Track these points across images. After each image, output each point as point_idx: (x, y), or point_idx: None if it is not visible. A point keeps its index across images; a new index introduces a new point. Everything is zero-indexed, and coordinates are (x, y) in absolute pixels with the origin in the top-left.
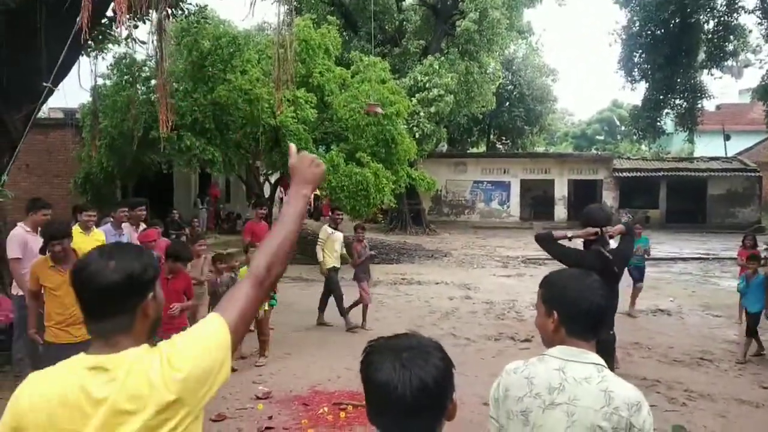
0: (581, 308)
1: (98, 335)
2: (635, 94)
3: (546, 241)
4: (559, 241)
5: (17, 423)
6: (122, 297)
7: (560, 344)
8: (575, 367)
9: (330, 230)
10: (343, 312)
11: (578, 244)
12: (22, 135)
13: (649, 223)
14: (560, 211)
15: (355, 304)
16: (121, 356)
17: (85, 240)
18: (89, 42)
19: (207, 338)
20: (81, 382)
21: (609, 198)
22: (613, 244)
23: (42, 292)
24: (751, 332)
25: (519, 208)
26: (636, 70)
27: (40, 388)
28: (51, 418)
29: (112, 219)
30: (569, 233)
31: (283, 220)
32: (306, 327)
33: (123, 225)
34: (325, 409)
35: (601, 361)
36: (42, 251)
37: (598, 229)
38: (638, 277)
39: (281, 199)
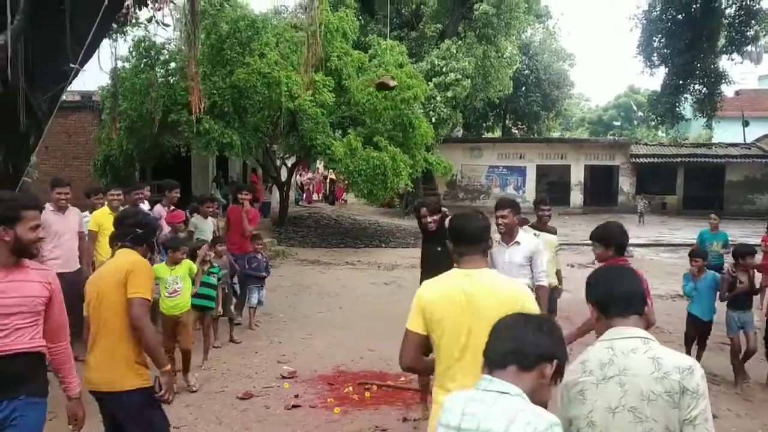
0: (610, 292)
1: (467, 257)
2: (653, 80)
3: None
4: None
5: (423, 306)
6: (481, 237)
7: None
8: (621, 342)
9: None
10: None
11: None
12: (48, 117)
13: (665, 209)
14: (576, 197)
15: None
16: (479, 270)
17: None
18: (121, 18)
19: None
20: (456, 283)
21: (626, 184)
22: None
23: None
24: (702, 346)
25: (535, 193)
26: (655, 54)
27: (434, 287)
28: (442, 303)
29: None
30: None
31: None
32: (327, 309)
33: (156, 206)
34: (351, 388)
35: (647, 334)
36: None
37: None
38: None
39: (301, 184)
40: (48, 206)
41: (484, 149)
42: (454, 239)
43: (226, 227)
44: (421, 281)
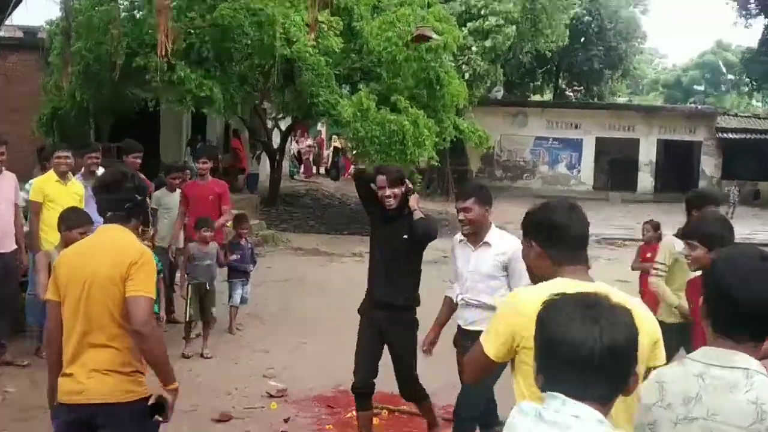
0: (732, 297)
1: (570, 266)
2: (749, 33)
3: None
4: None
5: (517, 329)
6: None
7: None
8: (719, 372)
9: None
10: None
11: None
12: None
13: (759, 199)
14: (645, 180)
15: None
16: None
17: (62, 190)
18: None
19: None
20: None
21: (709, 165)
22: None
23: None
24: None
25: (592, 173)
26: (753, 1)
27: (531, 296)
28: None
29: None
30: None
31: None
32: (327, 309)
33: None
34: (354, 413)
35: (754, 364)
36: None
37: None
38: None
39: (298, 153)
40: None
41: (530, 116)
42: (552, 239)
43: (184, 209)
44: (374, 284)
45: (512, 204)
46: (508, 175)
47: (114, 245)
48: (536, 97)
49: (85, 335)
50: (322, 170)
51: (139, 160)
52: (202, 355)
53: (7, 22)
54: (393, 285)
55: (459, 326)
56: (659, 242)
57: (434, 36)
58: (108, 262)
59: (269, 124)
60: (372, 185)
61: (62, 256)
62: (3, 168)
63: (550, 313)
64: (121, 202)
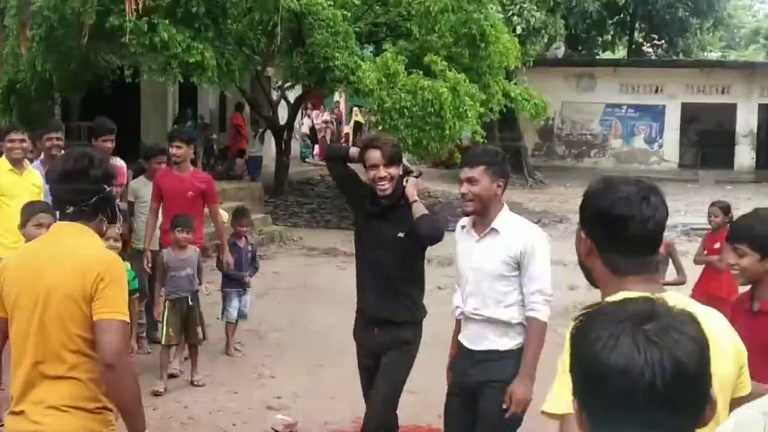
0: None
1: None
2: None
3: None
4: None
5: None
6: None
7: None
8: None
9: None
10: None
11: None
12: None
13: None
14: (744, 155)
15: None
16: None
17: (16, 182)
18: None
19: None
20: None
21: None
22: None
23: None
24: None
25: (678, 148)
26: None
27: None
28: None
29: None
30: None
31: None
32: (346, 324)
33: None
34: None
35: None
36: None
37: None
38: None
39: (311, 130)
40: None
41: (598, 78)
42: (611, 239)
43: (156, 205)
44: (364, 297)
45: (577, 185)
46: (572, 153)
47: (75, 252)
48: (606, 55)
49: (39, 365)
50: None
51: (110, 144)
52: (192, 383)
53: None
54: (389, 297)
55: (462, 345)
56: None
57: None
58: (68, 276)
59: (274, 95)
60: (350, 166)
61: (8, 262)
62: None
63: (588, 331)
64: (85, 194)
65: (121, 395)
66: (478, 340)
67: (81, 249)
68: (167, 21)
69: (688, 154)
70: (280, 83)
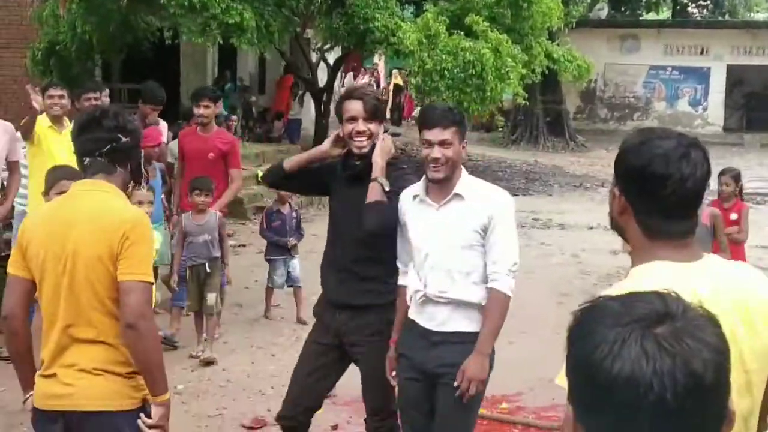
0: None
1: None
2: None
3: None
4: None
5: None
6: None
7: None
8: None
9: None
10: None
11: None
12: None
13: None
14: None
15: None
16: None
17: (55, 139)
18: None
19: None
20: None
21: None
22: None
23: None
24: None
25: (723, 111)
26: None
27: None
28: None
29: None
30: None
31: None
32: None
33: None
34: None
35: None
36: None
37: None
38: None
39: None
40: None
41: (642, 39)
42: (646, 198)
43: (180, 165)
44: (327, 276)
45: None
46: (615, 116)
47: (98, 209)
48: (650, 16)
49: (70, 328)
50: None
51: (156, 109)
52: (195, 357)
53: None
54: (355, 277)
55: (418, 325)
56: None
57: None
58: (94, 236)
59: (313, 57)
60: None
61: (30, 223)
62: None
63: (589, 332)
64: (99, 143)
65: (144, 356)
66: (441, 321)
67: (104, 204)
68: None
69: (733, 117)
70: (319, 45)
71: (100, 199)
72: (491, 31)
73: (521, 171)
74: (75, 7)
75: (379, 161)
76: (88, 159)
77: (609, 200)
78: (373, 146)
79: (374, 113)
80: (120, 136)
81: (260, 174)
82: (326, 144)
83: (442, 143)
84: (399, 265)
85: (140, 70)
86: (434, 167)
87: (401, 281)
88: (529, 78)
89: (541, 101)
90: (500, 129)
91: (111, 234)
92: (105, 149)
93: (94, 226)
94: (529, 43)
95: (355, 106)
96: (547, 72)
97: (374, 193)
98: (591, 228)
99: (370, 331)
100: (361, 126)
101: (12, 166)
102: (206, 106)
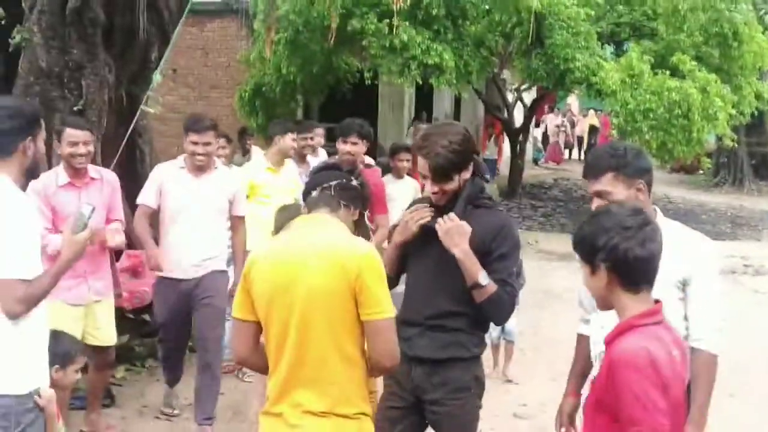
0: None
1: None
2: None
3: None
4: None
5: None
6: None
7: None
8: None
9: None
10: None
11: None
12: (177, 19)
13: None
14: None
15: None
16: None
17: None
18: None
19: None
20: None
21: None
22: None
23: None
24: None
25: None
26: None
27: None
28: None
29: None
30: None
31: None
32: None
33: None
34: None
35: None
36: None
37: None
38: None
39: (543, 134)
40: (176, 162)
41: None
42: None
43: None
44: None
45: None
46: None
47: (329, 242)
48: None
49: (297, 366)
50: (575, 154)
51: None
52: None
53: None
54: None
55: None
56: None
57: None
58: (327, 270)
59: (509, 97)
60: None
61: (258, 259)
62: (216, 160)
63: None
64: (331, 178)
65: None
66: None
67: (335, 241)
68: (407, 23)
69: None
70: (515, 85)
71: (329, 232)
72: (699, 71)
73: (726, 215)
74: (281, 50)
75: (461, 257)
76: (315, 193)
77: None
78: (454, 196)
79: (442, 174)
80: (353, 180)
81: None
82: (396, 237)
83: (599, 194)
84: (581, 311)
85: (338, 109)
86: None
87: (582, 329)
88: (737, 119)
89: (745, 143)
90: (705, 172)
91: (346, 269)
92: (334, 184)
93: (327, 262)
94: (738, 84)
95: (421, 163)
96: (756, 113)
97: (474, 273)
98: None
99: (453, 390)
100: (428, 186)
101: (235, 222)
102: (353, 143)
